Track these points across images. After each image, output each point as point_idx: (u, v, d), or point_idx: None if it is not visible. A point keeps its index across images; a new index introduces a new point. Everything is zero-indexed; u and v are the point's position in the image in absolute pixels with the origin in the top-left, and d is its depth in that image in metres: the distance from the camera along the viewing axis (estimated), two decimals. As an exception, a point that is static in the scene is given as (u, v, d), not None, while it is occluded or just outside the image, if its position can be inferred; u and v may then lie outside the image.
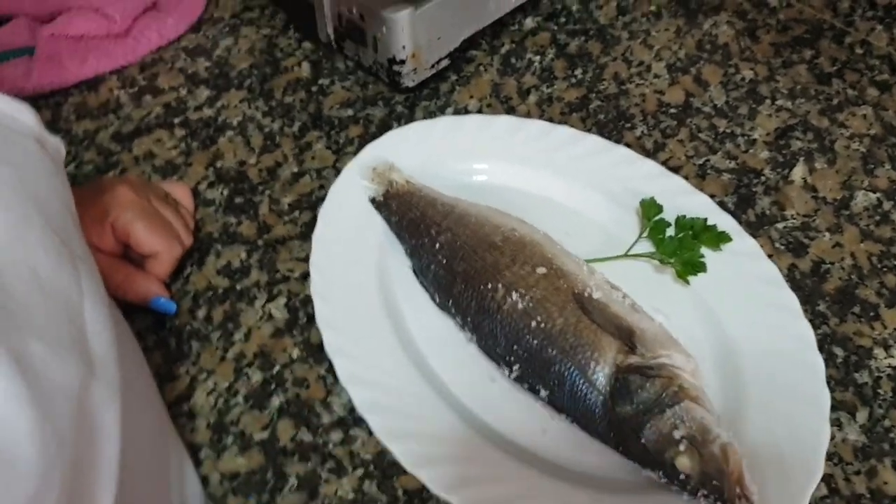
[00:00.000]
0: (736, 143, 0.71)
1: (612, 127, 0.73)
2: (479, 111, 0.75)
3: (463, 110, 0.75)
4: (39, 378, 0.33)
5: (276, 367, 0.59)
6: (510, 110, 0.75)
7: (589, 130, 0.73)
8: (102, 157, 0.71)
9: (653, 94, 0.75)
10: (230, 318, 0.62)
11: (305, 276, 0.64)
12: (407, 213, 0.63)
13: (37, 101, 0.75)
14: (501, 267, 0.57)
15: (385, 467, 0.54)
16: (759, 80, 0.76)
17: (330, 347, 0.56)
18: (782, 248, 0.65)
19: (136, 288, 0.60)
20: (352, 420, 0.56)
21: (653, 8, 0.83)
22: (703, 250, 0.62)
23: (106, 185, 0.60)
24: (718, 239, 0.62)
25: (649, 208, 0.63)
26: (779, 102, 0.74)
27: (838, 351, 0.59)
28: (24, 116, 0.44)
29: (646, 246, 0.63)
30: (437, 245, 0.60)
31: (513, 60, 0.79)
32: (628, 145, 0.71)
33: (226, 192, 0.69)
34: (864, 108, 0.73)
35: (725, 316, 0.59)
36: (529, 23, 0.82)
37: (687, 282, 0.61)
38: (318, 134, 0.73)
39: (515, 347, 0.54)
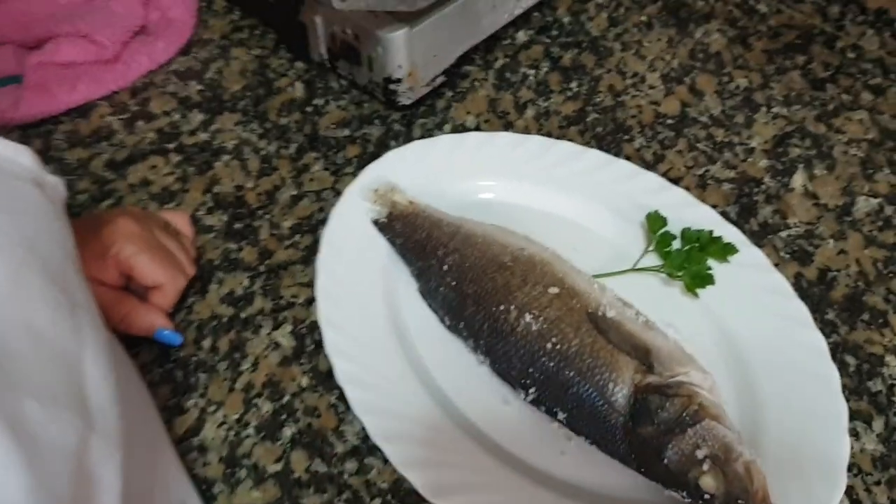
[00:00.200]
0: (734, 152, 0.72)
1: (611, 140, 0.73)
2: (477, 127, 0.75)
3: (461, 127, 0.75)
4: (35, 440, 0.32)
5: (286, 397, 0.58)
6: (508, 125, 0.75)
7: (588, 144, 0.73)
8: (97, 185, 0.69)
9: (649, 106, 0.75)
10: (236, 347, 0.61)
11: (310, 301, 0.63)
12: (412, 234, 0.62)
13: (26, 129, 0.73)
14: (513, 288, 0.56)
15: (403, 496, 0.53)
16: (754, 88, 0.76)
17: (341, 376, 0.55)
18: (787, 256, 0.65)
19: (141, 321, 0.59)
20: (366, 449, 0.55)
21: (643, 18, 0.83)
22: (710, 262, 0.62)
23: (106, 218, 0.59)
24: (725, 251, 0.62)
25: (654, 222, 0.63)
26: (774, 110, 0.74)
27: (850, 360, 0.59)
28: (23, 158, 0.43)
29: (652, 259, 0.63)
30: (445, 267, 0.59)
31: (507, 75, 0.79)
32: (628, 158, 0.71)
33: (225, 218, 0.68)
34: (860, 112, 0.74)
35: (736, 328, 0.59)
36: (522, 36, 0.82)
37: (696, 295, 0.61)
38: (316, 155, 0.73)
39: (531, 370, 0.54)
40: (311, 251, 0.66)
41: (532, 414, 0.56)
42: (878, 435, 0.56)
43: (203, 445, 0.55)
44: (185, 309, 0.62)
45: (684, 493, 0.49)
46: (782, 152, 0.71)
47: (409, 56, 0.71)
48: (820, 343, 0.57)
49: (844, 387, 0.56)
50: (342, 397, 0.56)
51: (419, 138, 0.73)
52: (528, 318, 0.55)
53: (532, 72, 0.79)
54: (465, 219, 0.63)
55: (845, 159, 0.70)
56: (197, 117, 0.75)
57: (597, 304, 0.55)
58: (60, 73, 0.74)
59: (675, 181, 0.69)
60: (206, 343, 0.61)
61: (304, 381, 0.59)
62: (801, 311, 0.59)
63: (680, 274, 0.61)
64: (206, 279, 0.64)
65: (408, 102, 0.75)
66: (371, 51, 0.71)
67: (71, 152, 0.72)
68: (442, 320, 0.60)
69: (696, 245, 0.62)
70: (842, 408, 0.54)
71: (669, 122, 0.74)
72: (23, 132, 0.73)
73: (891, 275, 0.63)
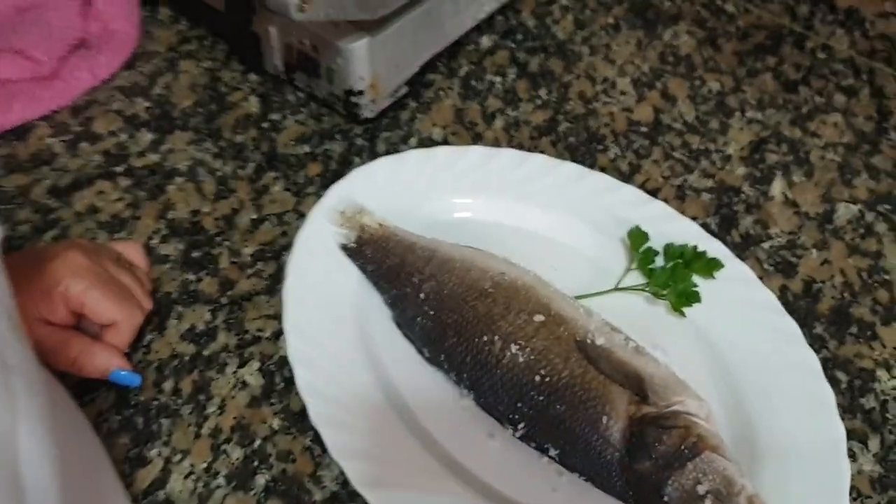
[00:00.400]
0: (711, 159, 0.70)
1: (585, 150, 0.70)
2: (445, 139, 0.71)
3: (427, 140, 0.71)
4: None
5: (257, 441, 0.54)
6: (477, 137, 0.71)
7: (561, 155, 0.70)
8: (39, 214, 0.64)
9: (621, 113, 0.73)
10: (201, 388, 0.56)
11: (277, 335, 0.59)
12: (384, 260, 0.59)
13: (-42, 155, 0.68)
14: (496, 316, 0.53)
15: (388, 545, 0.50)
16: (727, 92, 0.74)
17: (316, 418, 0.52)
18: (771, 269, 0.63)
19: (95, 362, 0.54)
20: (346, 495, 0.52)
21: (610, 20, 0.81)
22: (695, 279, 0.60)
23: (52, 251, 0.55)
24: (710, 266, 0.59)
25: (636, 238, 0.61)
26: (749, 114, 0.73)
27: (841, 376, 0.58)
28: None
29: (636, 277, 0.61)
30: (422, 295, 0.56)
31: (473, 83, 0.75)
32: (603, 169, 0.69)
33: (181, 246, 0.64)
34: (834, 115, 0.72)
35: (726, 349, 0.57)
36: (486, 41, 0.79)
37: (682, 314, 0.58)
38: (275, 175, 0.68)
39: (520, 405, 0.51)
40: (276, 279, 0.62)
41: (519, 448, 0.53)
42: (875, 455, 0.54)
43: (169, 499, 0.51)
44: (142, 348, 0.58)
45: (687, 532, 0.47)
46: (759, 159, 0.69)
47: (370, 67, 0.67)
48: (813, 362, 0.55)
49: (838, 405, 0.55)
50: (318, 439, 0.52)
51: (384, 153, 0.70)
52: (513, 348, 0.52)
53: (499, 79, 0.76)
54: (440, 241, 0.60)
55: (823, 164, 0.69)
56: (146, 137, 0.70)
57: (584, 331, 0.52)
58: (-6, 93, 0.69)
59: (653, 192, 0.66)
60: (168, 385, 0.56)
61: (276, 423, 0.55)
62: (792, 327, 0.57)
63: (665, 292, 0.59)
64: (164, 314, 0.60)
65: (370, 115, 0.71)
66: (330, 62, 0.67)
67: (8, 179, 0.67)
68: (420, 352, 0.56)
69: (681, 261, 0.60)
70: (839, 430, 0.52)
71: (643, 129, 0.72)
72: (-46, 158, 0.67)
73: (876, 284, 0.62)
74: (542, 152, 0.69)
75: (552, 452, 0.51)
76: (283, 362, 0.57)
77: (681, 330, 0.59)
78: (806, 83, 0.75)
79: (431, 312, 0.55)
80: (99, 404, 0.55)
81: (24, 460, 0.34)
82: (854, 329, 0.60)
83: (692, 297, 0.59)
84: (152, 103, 0.73)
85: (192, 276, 0.62)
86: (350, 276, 0.60)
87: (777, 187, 0.68)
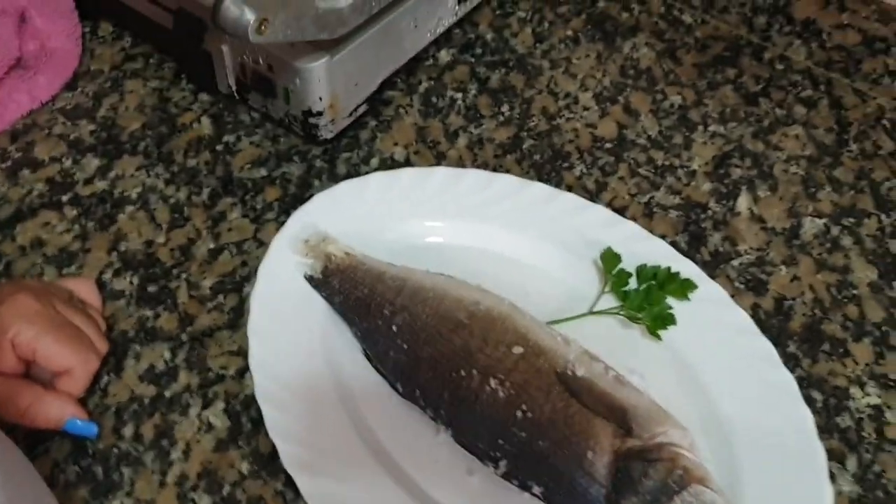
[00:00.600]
0: (676, 175, 0.69)
1: (550, 168, 0.69)
2: (407, 159, 0.69)
3: (389, 160, 0.69)
4: None
5: (226, 488, 0.51)
6: (440, 156, 0.70)
7: (527, 174, 0.68)
8: (-21, 250, 0.61)
9: (585, 129, 0.72)
10: (163, 433, 0.53)
11: (242, 372, 0.56)
12: (352, 291, 0.57)
13: None
14: (473, 349, 0.52)
15: None
16: (689, 106, 0.74)
17: (287, 461, 0.50)
18: (742, 287, 0.63)
19: (47, 413, 0.51)
20: (323, 542, 0.50)
21: (569, 33, 0.79)
22: (669, 300, 0.59)
23: (0, 296, 0.51)
24: (684, 287, 0.59)
25: (609, 260, 0.60)
26: (711, 128, 0.72)
27: (816, 395, 0.57)
28: None
29: (609, 300, 0.60)
30: (394, 327, 0.54)
31: (434, 99, 0.73)
32: (570, 188, 0.68)
33: (135, 281, 0.60)
34: (795, 127, 0.73)
35: (702, 370, 0.56)
36: (444, 56, 0.77)
37: (659, 338, 0.58)
38: (232, 200, 0.66)
39: (501, 441, 0.49)
40: (238, 313, 0.59)
41: (501, 485, 0.51)
42: (854, 475, 0.54)
43: (134, 556, 0.49)
44: (98, 392, 0.55)
45: (677, 569, 0.46)
46: (724, 174, 0.69)
47: (329, 87, 0.65)
48: (790, 384, 0.54)
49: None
50: (290, 482, 0.50)
51: (345, 175, 0.68)
52: (493, 383, 0.50)
53: (459, 95, 0.74)
54: (410, 269, 0.58)
55: (786, 178, 0.69)
56: (92, 163, 0.67)
57: (564, 361, 0.51)
58: (-76, 120, 0.64)
59: (621, 210, 0.66)
60: (128, 430, 0.53)
61: (245, 467, 0.53)
62: (767, 348, 0.56)
63: (640, 316, 0.58)
64: (121, 354, 0.57)
65: (329, 136, 0.69)
66: (288, 83, 0.65)
67: (-56, 212, 0.63)
68: (394, 387, 0.54)
69: (654, 283, 0.59)
70: (819, 452, 0.52)
71: (608, 146, 0.71)
72: None
73: (845, 300, 0.62)
74: (507, 171, 0.68)
75: (536, 490, 0.49)
76: (250, 401, 0.55)
77: (657, 354, 0.58)
78: (766, 95, 0.75)
79: (405, 346, 0.53)
80: (53, 455, 0.52)
81: None
82: (826, 346, 0.60)
83: (668, 320, 0.58)
84: (98, 126, 0.69)
85: (148, 313, 0.59)
86: (317, 307, 0.58)
87: (743, 203, 0.67)
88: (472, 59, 0.77)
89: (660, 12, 0.82)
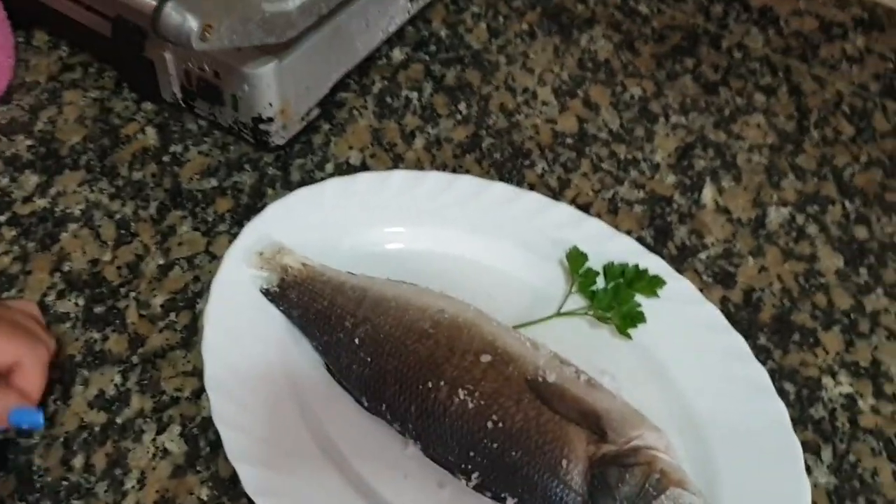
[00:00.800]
0: (640, 169, 0.68)
1: (512, 166, 0.67)
2: (363, 163, 0.67)
3: (345, 164, 0.67)
4: None
5: (186, 517, 0.49)
6: (397, 158, 0.67)
7: (487, 173, 0.67)
8: (-88, 276, 0.57)
9: (545, 125, 0.70)
10: (116, 461, 0.51)
11: (198, 393, 0.54)
12: (311, 303, 0.54)
13: None
14: (439, 360, 0.50)
15: None
16: (649, 97, 0.73)
17: (250, 487, 0.47)
18: (710, 280, 0.62)
19: None
20: (290, 568, 0.47)
21: (525, 27, 0.78)
22: (638, 297, 0.57)
23: None
24: (652, 284, 0.57)
25: (575, 260, 0.58)
26: (673, 119, 0.71)
27: (789, 387, 0.57)
28: None
29: (577, 300, 0.58)
30: (357, 340, 0.52)
31: (388, 100, 0.71)
32: (532, 186, 0.66)
33: (81, 302, 0.57)
34: (756, 115, 0.72)
35: (674, 368, 0.55)
36: (398, 54, 0.75)
37: (629, 337, 0.56)
38: (181, 213, 0.63)
39: (472, 454, 0.48)
40: (192, 331, 0.57)
41: (473, 497, 0.49)
42: (829, 466, 0.53)
43: None
44: (45, 421, 0.52)
45: (659, 577, 0.44)
46: (687, 165, 0.68)
47: (279, 92, 0.63)
48: (763, 377, 0.54)
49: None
50: (252, 507, 0.48)
51: (300, 183, 0.65)
52: (461, 394, 0.48)
53: (415, 94, 0.72)
54: (370, 278, 0.56)
55: (750, 167, 0.68)
56: (31, 180, 0.63)
57: (534, 367, 0.49)
58: None
59: (585, 207, 0.64)
60: (78, 461, 0.51)
61: (205, 493, 0.50)
62: (738, 342, 0.55)
63: (609, 315, 0.57)
64: (69, 381, 0.54)
65: (281, 142, 0.66)
66: (236, 89, 0.62)
67: None
68: (359, 401, 0.52)
69: (622, 281, 0.57)
70: (795, 446, 0.51)
71: (569, 141, 0.69)
72: None
73: (813, 289, 0.61)
74: (467, 172, 0.66)
75: (510, 501, 0.47)
76: (207, 424, 0.52)
77: (627, 353, 0.56)
78: (725, 84, 0.74)
79: (368, 359, 0.51)
80: (-2, 492, 0.49)
81: None
82: (797, 336, 0.59)
83: (637, 318, 0.56)
84: (35, 141, 0.66)
85: (96, 335, 0.56)
86: (274, 322, 0.55)
87: (708, 194, 0.66)
88: (427, 57, 0.75)
89: (616, 3, 0.80)
